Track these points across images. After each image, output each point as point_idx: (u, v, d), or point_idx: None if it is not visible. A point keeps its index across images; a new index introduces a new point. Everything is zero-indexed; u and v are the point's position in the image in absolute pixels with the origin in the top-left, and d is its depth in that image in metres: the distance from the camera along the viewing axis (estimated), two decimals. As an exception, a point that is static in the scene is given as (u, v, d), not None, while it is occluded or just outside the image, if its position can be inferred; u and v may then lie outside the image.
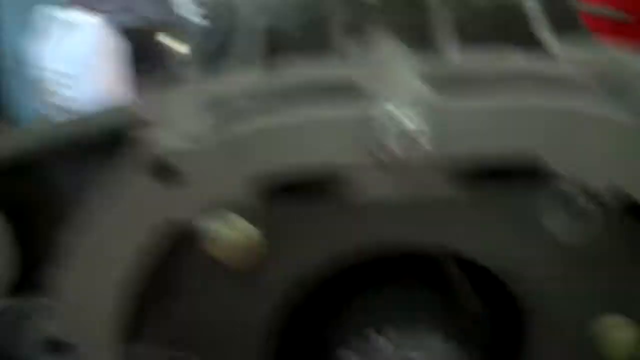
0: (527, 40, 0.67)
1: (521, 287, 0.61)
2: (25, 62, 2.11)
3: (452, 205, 0.57)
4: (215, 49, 0.72)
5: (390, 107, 0.52)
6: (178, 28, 2.15)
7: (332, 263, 0.60)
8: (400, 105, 0.52)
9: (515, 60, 0.61)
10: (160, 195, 0.55)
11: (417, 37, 0.66)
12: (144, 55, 2.17)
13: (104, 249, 0.57)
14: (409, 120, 0.52)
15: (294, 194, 0.57)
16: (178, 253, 0.58)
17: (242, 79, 0.61)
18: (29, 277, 0.63)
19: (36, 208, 0.65)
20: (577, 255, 0.58)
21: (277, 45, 0.70)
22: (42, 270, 0.59)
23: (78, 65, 2.08)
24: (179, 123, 0.56)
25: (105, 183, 0.56)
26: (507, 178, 0.57)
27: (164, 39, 2.22)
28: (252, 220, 0.56)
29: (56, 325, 0.59)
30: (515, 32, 0.69)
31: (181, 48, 2.09)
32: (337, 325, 0.67)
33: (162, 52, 2.20)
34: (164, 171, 0.54)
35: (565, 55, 0.63)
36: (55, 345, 0.59)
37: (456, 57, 0.63)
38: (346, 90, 0.55)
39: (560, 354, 0.63)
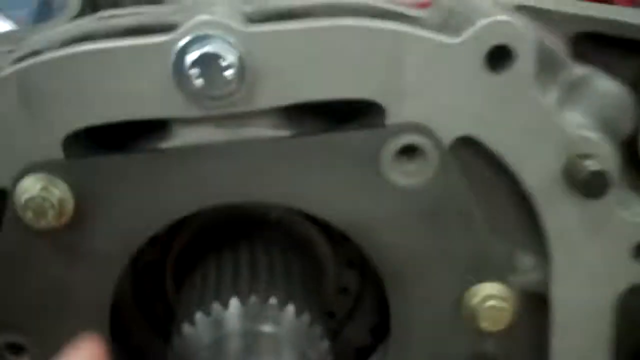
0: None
1: (373, 247, 0.56)
2: None
3: (279, 151, 0.53)
4: (46, 7, 0.68)
5: (197, 36, 0.48)
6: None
7: (162, 220, 0.54)
8: (210, 35, 0.48)
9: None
10: None
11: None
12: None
13: None
14: (218, 49, 0.48)
15: (108, 148, 0.53)
16: None
17: (56, 28, 0.57)
18: None
19: None
20: (421, 204, 0.54)
21: None
22: None
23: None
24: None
25: None
26: (336, 116, 0.54)
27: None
28: (60, 176, 0.51)
29: None
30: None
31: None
32: (184, 298, 0.62)
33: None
34: None
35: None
36: None
37: None
38: (157, 27, 0.51)
39: (428, 327, 0.58)
